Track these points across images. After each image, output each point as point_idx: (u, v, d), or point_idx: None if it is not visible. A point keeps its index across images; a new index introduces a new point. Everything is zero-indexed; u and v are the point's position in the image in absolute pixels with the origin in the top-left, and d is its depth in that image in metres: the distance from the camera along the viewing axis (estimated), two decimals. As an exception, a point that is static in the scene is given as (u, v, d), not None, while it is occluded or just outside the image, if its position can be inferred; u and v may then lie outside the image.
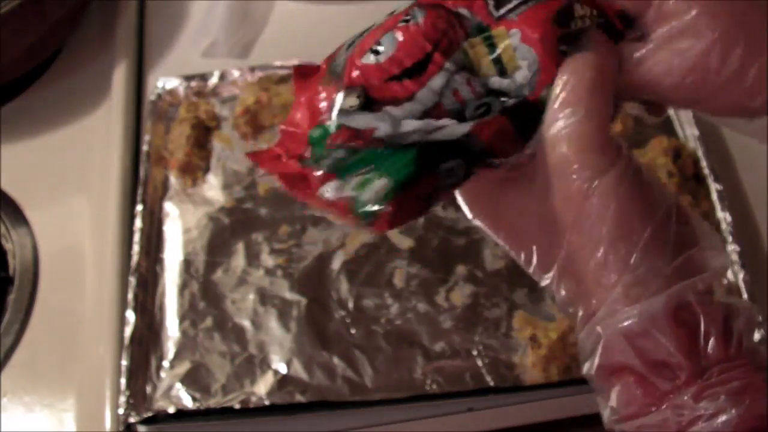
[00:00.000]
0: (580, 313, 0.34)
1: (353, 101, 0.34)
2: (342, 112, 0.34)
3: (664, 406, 0.32)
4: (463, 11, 0.34)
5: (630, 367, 0.32)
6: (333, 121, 0.35)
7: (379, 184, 0.34)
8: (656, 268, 0.32)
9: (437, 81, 0.34)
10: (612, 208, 0.32)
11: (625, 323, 0.32)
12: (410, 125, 0.34)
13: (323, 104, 0.35)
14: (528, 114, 0.35)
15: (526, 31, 0.34)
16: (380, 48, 0.34)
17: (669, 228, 0.33)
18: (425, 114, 0.34)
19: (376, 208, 0.34)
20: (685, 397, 0.31)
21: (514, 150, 0.35)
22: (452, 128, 0.34)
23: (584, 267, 0.33)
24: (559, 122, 0.33)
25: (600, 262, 0.33)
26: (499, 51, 0.34)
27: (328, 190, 0.35)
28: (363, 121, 0.34)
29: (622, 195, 0.33)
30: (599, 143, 0.33)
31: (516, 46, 0.34)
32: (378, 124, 0.34)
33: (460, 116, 0.34)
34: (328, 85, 0.35)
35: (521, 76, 0.34)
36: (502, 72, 0.34)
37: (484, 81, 0.34)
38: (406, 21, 0.34)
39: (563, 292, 0.35)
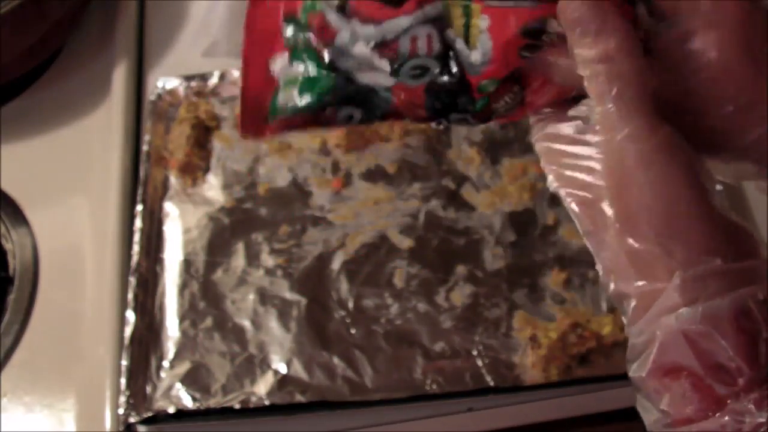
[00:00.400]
0: (633, 304, 0.33)
1: None
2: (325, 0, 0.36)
3: (722, 412, 0.31)
4: None
5: (686, 368, 0.31)
6: (318, 1, 0.37)
7: (294, 94, 0.37)
8: (716, 267, 0.32)
9: (402, 21, 0.35)
10: (658, 191, 0.32)
11: (687, 323, 0.31)
12: (359, 50, 0.36)
13: None
14: (453, 96, 0.36)
15: (493, 25, 0.35)
16: None
17: (726, 225, 0.33)
18: (379, 45, 0.36)
19: (279, 114, 0.37)
20: (747, 404, 0.30)
21: (417, 119, 0.37)
22: (381, 77, 0.36)
23: (635, 252, 0.33)
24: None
25: (654, 251, 0.32)
26: (470, 21, 0.35)
27: (277, 63, 0.37)
28: (334, 18, 0.36)
29: (668, 175, 0.32)
30: (634, 106, 0.33)
31: (481, 30, 0.35)
32: (343, 29, 0.36)
33: (397, 68, 0.36)
34: None
35: (474, 56, 0.35)
36: (466, 39, 0.35)
37: (451, 39, 0.36)
38: None
39: (612, 286, 0.34)
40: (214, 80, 0.76)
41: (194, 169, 0.72)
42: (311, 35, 0.37)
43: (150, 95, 0.75)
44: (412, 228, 0.67)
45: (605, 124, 0.33)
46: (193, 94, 0.76)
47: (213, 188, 0.71)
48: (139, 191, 0.69)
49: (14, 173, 0.74)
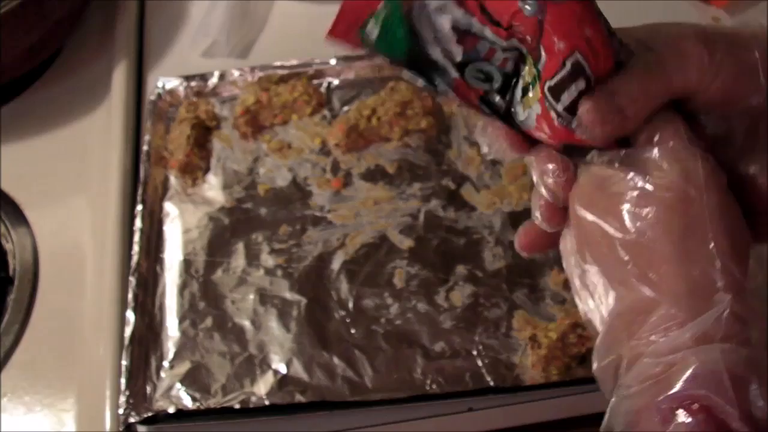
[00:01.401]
0: (663, 312, 0.31)
1: None
2: None
3: None
4: (543, 55, 0.35)
5: (717, 408, 0.29)
6: None
7: (374, 34, 0.37)
8: (758, 309, 0.31)
9: (488, 33, 0.36)
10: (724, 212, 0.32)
11: (733, 362, 0.29)
12: (440, 22, 0.36)
13: None
14: (503, 115, 0.38)
15: (541, 119, 0.36)
16: None
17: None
18: (461, 31, 0.36)
19: (364, 42, 0.37)
20: None
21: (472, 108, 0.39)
22: (446, 66, 0.37)
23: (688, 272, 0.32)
24: None
25: (708, 271, 0.31)
26: (531, 87, 0.37)
27: None
28: None
29: (728, 199, 0.33)
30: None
31: (532, 106, 0.37)
32: None
33: (466, 61, 0.37)
34: None
35: (520, 111, 0.38)
36: (524, 92, 0.37)
37: (521, 72, 0.37)
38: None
39: (624, 292, 0.33)
40: (214, 80, 0.76)
41: (194, 169, 0.72)
42: None
43: (150, 95, 0.76)
44: (412, 228, 0.67)
45: (664, 160, 0.34)
46: (193, 94, 0.76)
47: (213, 188, 0.71)
48: (139, 191, 0.69)
49: (14, 173, 0.74)
